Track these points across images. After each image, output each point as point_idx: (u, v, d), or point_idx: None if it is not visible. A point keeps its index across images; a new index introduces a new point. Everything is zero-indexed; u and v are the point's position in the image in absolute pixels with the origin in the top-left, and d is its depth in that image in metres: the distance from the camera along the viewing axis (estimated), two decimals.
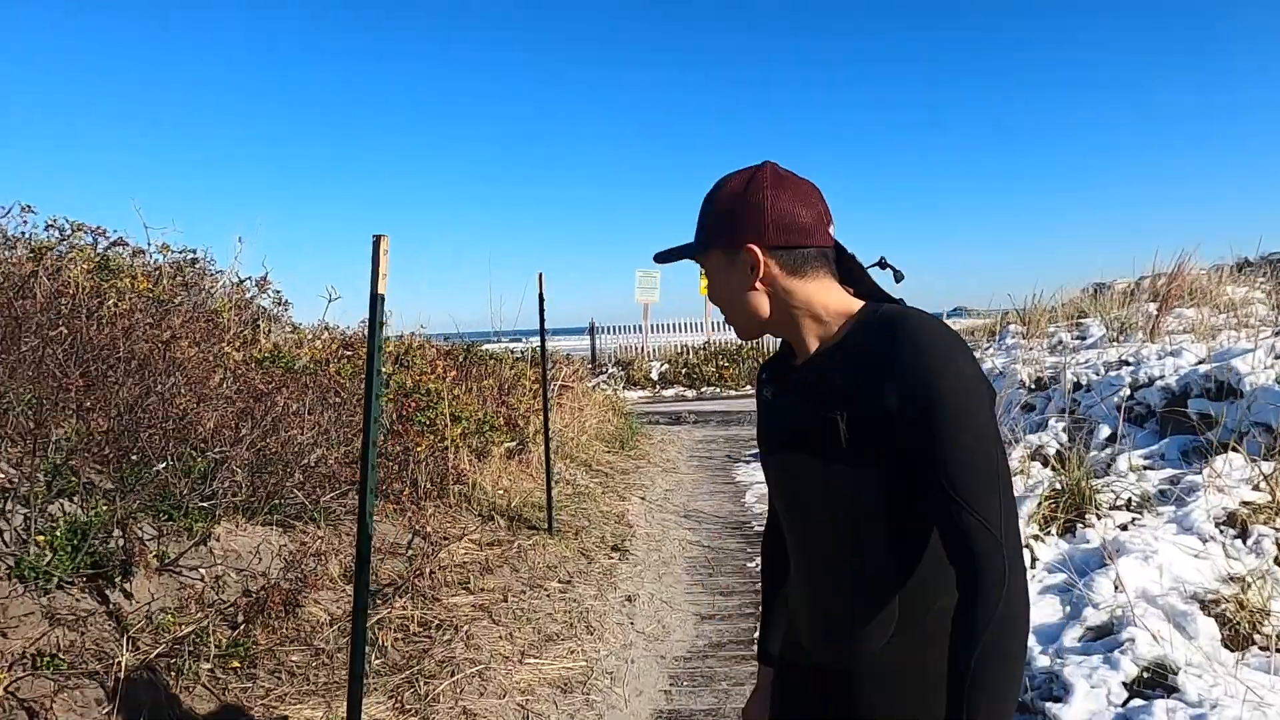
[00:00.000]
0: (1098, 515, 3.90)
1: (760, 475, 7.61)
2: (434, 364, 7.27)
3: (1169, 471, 4.43)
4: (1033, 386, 6.22)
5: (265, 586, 3.46)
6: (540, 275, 5.03)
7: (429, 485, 5.19)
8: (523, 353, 8.26)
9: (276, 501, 4.06)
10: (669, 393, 15.61)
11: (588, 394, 9.10)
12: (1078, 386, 5.82)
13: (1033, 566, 3.69)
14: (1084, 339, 6.94)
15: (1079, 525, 3.90)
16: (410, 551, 4.35)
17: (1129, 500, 3.99)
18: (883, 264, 1.18)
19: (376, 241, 2.05)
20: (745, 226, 1.09)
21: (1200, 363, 5.25)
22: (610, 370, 16.46)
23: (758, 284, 1.10)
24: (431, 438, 5.43)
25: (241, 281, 7.85)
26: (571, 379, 8.83)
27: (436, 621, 3.62)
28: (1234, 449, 4.21)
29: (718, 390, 15.59)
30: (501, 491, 5.84)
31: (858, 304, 1.12)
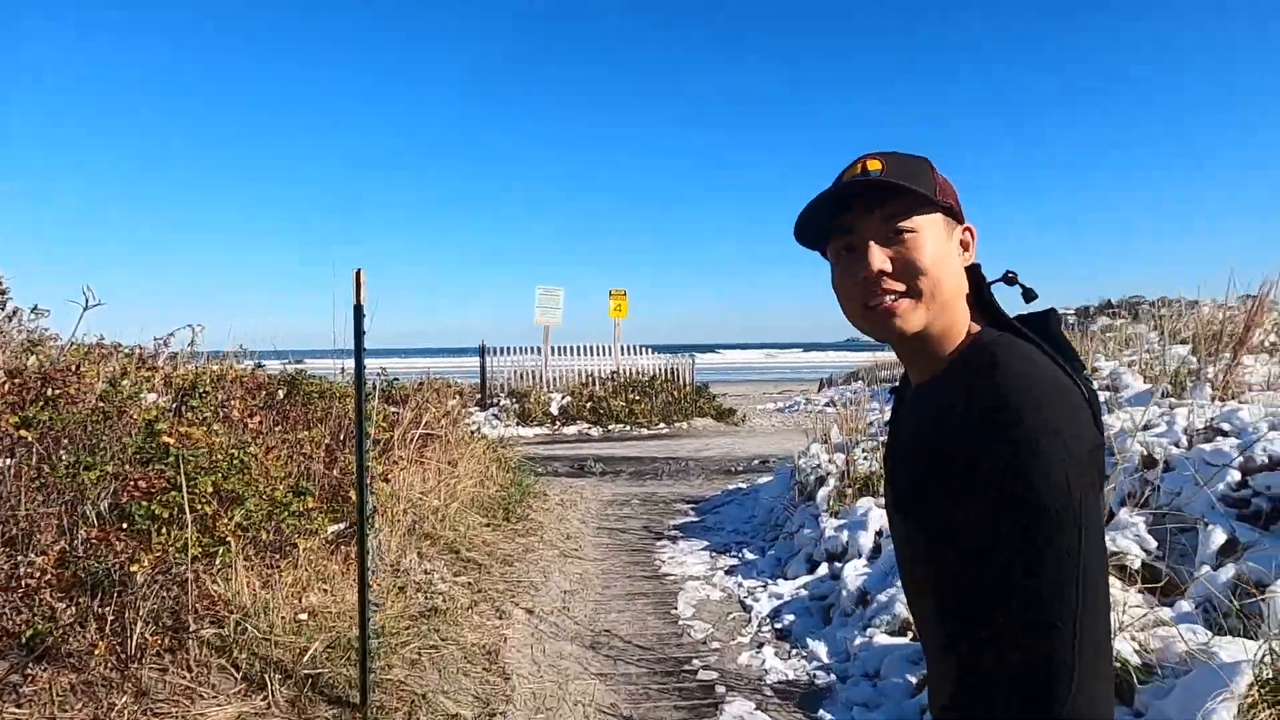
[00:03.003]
0: None
1: (695, 570, 5.67)
2: (230, 404, 5.00)
3: None
4: None
5: None
6: (358, 273, 2.95)
7: (151, 634, 2.97)
8: (373, 383, 6.01)
9: None
10: (570, 430, 13.51)
11: (465, 442, 6.93)
12: (1150, 462, 4.14)
13: None
14: (1116, 390, 5.34)
15: None
16: None
17: None
18: (1010, 279, 1.00)
19: None
20: (957, 205, 0.98)
21: None
22: (502, 402, 14.23)
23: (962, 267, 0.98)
24: (166, 539, 3.21)
25: None
26: (442, 424, 6.65)
27: None
28: None
29: (627, 428, 13.60)
30: (304, 617, 3.66)
31: (977, 325, 0.95)
